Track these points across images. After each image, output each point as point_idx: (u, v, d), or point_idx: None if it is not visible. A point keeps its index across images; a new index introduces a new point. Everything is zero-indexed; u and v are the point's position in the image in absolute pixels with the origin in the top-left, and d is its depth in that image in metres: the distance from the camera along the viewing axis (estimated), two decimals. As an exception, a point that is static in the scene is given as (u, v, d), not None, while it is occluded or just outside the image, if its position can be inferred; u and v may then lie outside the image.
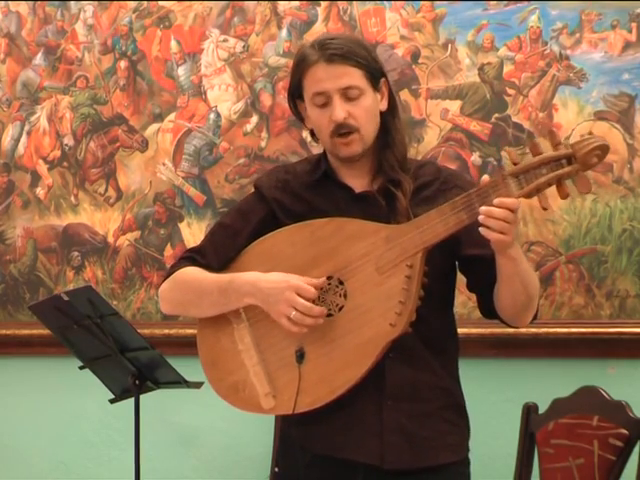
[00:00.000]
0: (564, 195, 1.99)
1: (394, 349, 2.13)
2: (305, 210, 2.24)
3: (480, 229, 2.01)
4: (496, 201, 1.99)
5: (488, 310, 2.21)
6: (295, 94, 2.25)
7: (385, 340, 2.10)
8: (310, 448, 2.22)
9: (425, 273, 2.11)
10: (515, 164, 2.01)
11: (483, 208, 2.00)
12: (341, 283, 2.15)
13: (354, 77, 2.17)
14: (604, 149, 1.97)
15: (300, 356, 2.15)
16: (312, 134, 2.28)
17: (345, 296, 2.14)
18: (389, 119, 2.23)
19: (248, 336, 2.23)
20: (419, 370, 2.19)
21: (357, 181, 2.24)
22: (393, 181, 2.20)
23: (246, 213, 2.31)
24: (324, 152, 2.28)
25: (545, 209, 2.02)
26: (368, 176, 2.24)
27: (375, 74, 2.20)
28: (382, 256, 2.12)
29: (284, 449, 2.31)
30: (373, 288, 2.12)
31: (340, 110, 2.15)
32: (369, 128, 2.19)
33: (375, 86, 2.20)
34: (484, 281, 2.15)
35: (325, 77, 2.16)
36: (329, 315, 2.15)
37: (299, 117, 2.28)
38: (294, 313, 2.12)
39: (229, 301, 2.23)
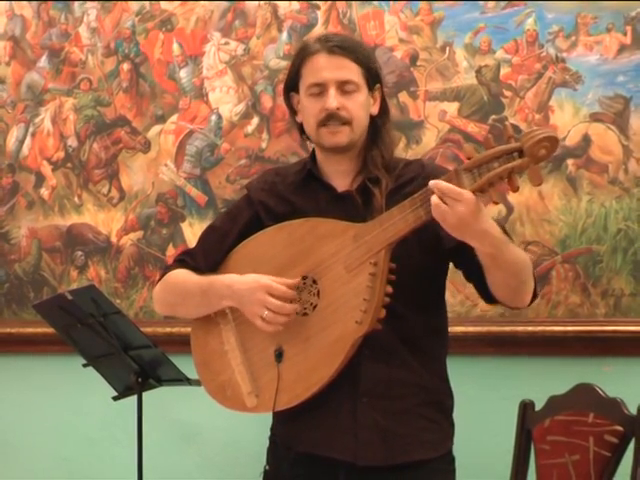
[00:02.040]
0: (514, 188, 1.95)
1: (370, 346, 2.14)
2: (288, 211, 2.25)
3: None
4: (431, 182, 1.96)
5: (487, 296, 2.19)
6: (291, 85, 2.26)
7: (352, 338, 2.11)
8: (292, 446, 2.24)
9: (392, 270, 2.11)
10: (469, 158, 1.98)
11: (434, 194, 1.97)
12: (315, 282, 2.16)
13: (352, 71, 2.19)
14: (552, 140, 1.93)
15: (279, 355, 2.18)
16: (301, 131, 2.29)
17: (318, 295, 2.16)
18: (380, 122, 2.25)
19: (233, 336, 2.25)
20: (395, 367, 2.19)
21: (341, 181, 2.25)
22: (372, 179, 2.21)
23: (234, 216, 2.34)
24: (312, 151, 2.30)
25: (496, 203, 1.99)
26: (351, 175, 2.25)
27: (372, 76, 2.22)
28: (350, 254, 2.13)
29: (272, 447, 2.33)
30: (342, 286, 2.13)
31: (334, 99, 2.17)
32: (360, 123, 2.20)
33: (370, 87, 2.22)
34: (474, 269, 2.13)
35: (325, 66, 2.18)
36: (305, 314, 2.16)
37: (291, 110, 2.30)
38: (266, 313, 2.14)
39: (210, 303, 2.26)
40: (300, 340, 2.16)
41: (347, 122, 2.18)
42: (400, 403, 2.20)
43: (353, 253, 2.13)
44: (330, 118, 2.18)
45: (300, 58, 2.23)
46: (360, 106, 2.19)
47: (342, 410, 2.18)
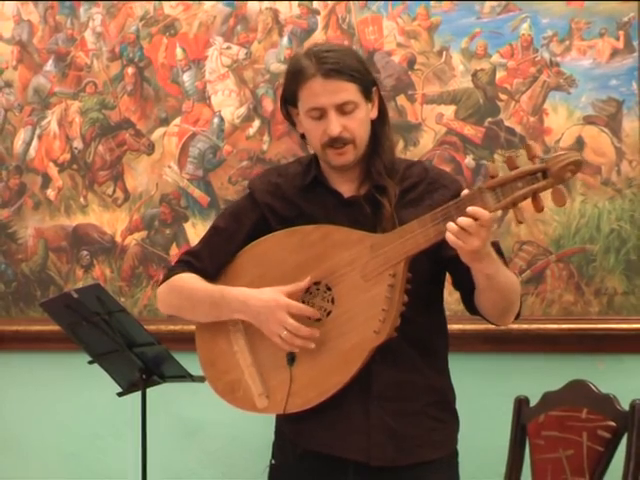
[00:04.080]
0: (539, 208, 1.99)
1: (380, 350, 2.14)
2: (295, 215, 2.25)
3: (446, 233, 2.01)
4: (469, 209, 1.98)
5: (471, 307, 2.23)
6: (288, 100, 2.25)
7: (369, 346, 2.12)
8: (302, 444, 2.25)
9: (408, 280, 2.13)
10: (492, 177, 1.99)
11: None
12: (329, 289, 2.16)
13: (350, 92, 2.17)
14: (578, 164, 1.97)
15: (291, 359, 2.17)
16: (303, 137, 2.29)
17: (333, 302, 2.16)
18: (379, 126, 2.24)
19: (242, 338, 2.25)
20: (405, 370, 2.20)
21: (346, 186, 2.25)
22: (379, 187, 2.21)
23: (239, 217, 2.31)
24: (315, 156, 2.29)
25: (520, 222, 2.02)
26: (357, 181, 2.25)
27: (368, 85, 2.21)
28: (367, 264, 2.13)
29: (279, 443, 2.34)
30: (359, 295, 2.13)
31: (336, 125, 2.16)
32: (363, 138, 2.21)
33: (367, 97, 2.20)
34: (465, 281, 2.16)
35: (322, 92, 2.16)
36: (318, 320, 2.16)
37: (290, 122, 2.29)
38: (285, 333, 2.14)
39: (220, 313, 2.25)
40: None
41: (350, 141, 2.19)
42: (410, 405, 2.22)
43: (370, 263, 2.13)
44: (334, 142, 2.18)
45: (296, 81, 2.19)
46: (361, 123, 2.20)
47: (355, 412, 2.19)
